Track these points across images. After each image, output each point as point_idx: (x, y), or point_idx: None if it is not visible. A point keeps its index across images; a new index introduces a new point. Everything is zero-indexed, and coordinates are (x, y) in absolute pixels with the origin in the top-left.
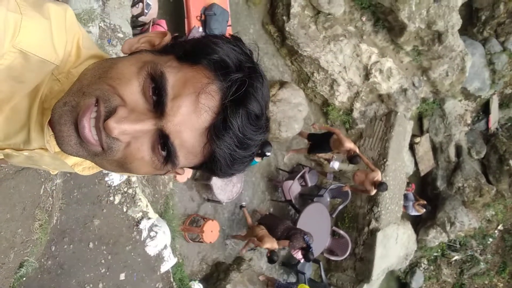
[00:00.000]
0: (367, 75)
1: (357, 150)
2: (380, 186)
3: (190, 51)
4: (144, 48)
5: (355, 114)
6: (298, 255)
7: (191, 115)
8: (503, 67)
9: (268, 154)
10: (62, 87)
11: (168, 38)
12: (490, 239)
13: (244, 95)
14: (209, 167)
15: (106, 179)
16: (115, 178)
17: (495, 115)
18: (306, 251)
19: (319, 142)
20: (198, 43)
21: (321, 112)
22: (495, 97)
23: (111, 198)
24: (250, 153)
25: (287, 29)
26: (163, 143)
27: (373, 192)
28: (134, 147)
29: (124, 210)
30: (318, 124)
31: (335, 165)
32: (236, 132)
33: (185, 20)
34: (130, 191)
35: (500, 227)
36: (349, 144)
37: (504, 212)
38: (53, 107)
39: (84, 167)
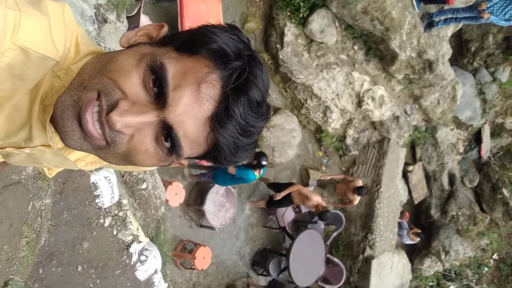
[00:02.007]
0: (359, 103)
1: (324, 204)
2: (359, 190)
3: (188, 41)
4: (142, 41)
5: (348, 141)
6: None
7: (193, 105)
8: (493, 97)
9: (264, 163)
10: (62, 84)
11: (165, 30)
12: (486, 269)
13: (245, 83)
14: (213, 155)
15: (97, 201)
16: (106, 200)
17: (487, 144)
18: None
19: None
20: (196, 33)
21: (314, 139)
22: (487, 126)
23: (101, 221)
24: (253, 140)
25: (280, 56)
26: (167, 134)
27: (356, 200)
28: (137, 139)
29: (114, 233)
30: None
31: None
32: (238, 120)
33: None
34: (121, 213)
35: (495, 256)
36: (316, 198)
37: (498, 241)
38: (55, 102)
39: (87, 162)
